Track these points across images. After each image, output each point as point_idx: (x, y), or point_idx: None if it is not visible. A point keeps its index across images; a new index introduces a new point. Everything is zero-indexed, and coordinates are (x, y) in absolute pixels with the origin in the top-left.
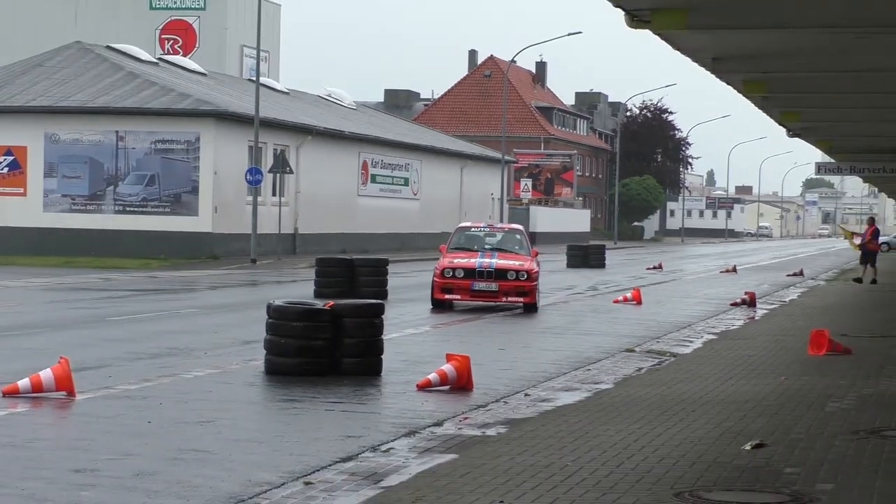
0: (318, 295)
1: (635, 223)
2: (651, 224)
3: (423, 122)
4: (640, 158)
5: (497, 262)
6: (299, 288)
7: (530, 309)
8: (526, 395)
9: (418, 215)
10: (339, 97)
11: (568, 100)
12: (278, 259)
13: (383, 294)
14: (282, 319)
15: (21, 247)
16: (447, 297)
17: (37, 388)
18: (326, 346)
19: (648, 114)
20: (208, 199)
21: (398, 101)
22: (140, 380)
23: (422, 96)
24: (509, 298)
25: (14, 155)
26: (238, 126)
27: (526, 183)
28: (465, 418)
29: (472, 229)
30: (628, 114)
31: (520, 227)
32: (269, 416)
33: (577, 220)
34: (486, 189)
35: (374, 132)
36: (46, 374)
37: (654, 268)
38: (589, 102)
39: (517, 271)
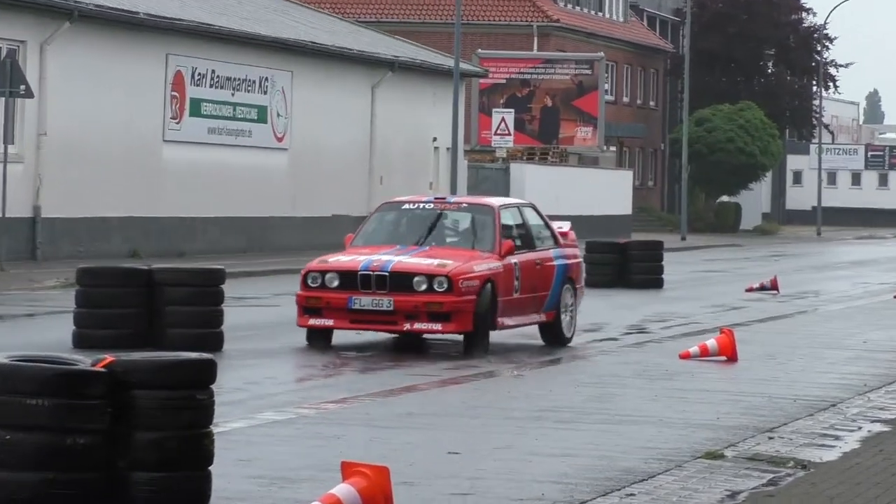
0: (81, 342)
1: (723, 198)
2: (755, 200)
3: None
4: (731, 68)
5: (401, 259)
6: (45, 328)
7: (472, 344)
8: None
9: (288, 182)
10: None
11: None
12: (1, 270)
13: (213, 340)
14: (7, 393)
15: None
16: (313, 321)
17: None
18: (97, 446)
19: None
20: None
21: None
22: None
23: None
24: (416, 325)
25: None
26: None
27: (503, 118)
28: None
29: (406, 207)
30: None
31: (495, 202)
32: None
33: (606, 191)
34: (424, 131)
35: (196, 15)
36: None
37: (762, 288)
38: None
39: (430, 276)
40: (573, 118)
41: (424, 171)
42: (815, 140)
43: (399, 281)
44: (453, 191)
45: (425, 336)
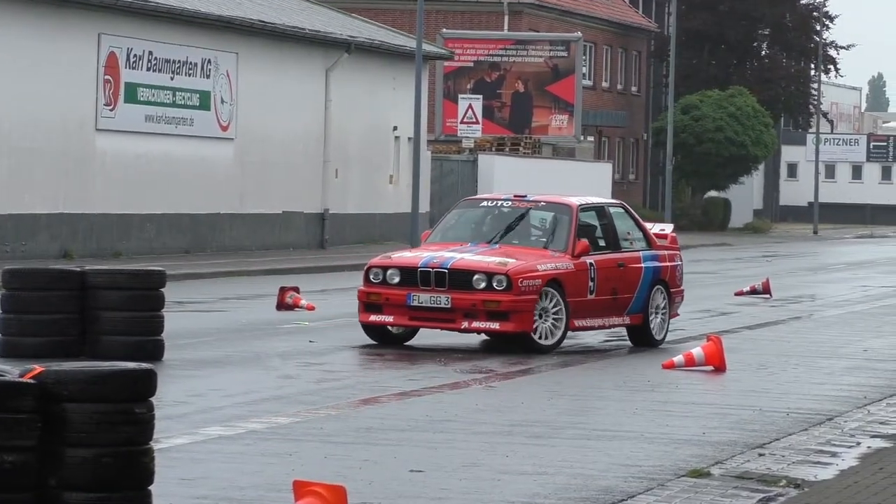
0: (8, 350)
1: (712, 193)
2: (746, 196)
3: None
4: (722, 50)
5: (464, 257)
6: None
7: (524, 344)
8: None
9: (233, 175)
10: None
11: None
12: None
13: (153, 349)
14: None
15: None
16: (374, 318)
17: None
18: (27, 464)
19: None
20: None
21: None
22: None
23: None
24: (474, 323)
25: None
26: None
27: (471, 105)
28: None
29: (484, 204)
30: None
31: (574, 201)
32: None
33: (583, 186)
34: (383, 118)
35: None
36: None
37: (753, 291)
38: None
39: (489, 274)
40: (547, 105)
41: (384, 163)
42: (813, 129)
43: (458, 278)
44: (414, 184)
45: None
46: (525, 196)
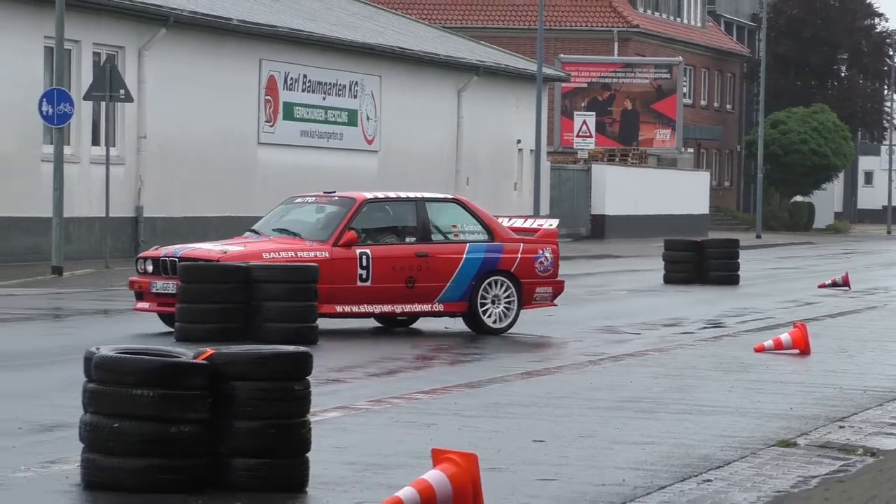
0: (182, 336)
1: (797, 198)
2: (827, 200)
3: (384, 2)
4: (806, 72)
5: (198, 247)
6: (148, 323)
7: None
8: None
9: (377, 183)
10: None
11: None
12: (106, 267)
13: (309, 334)
14: (114, 384)
15: None
16: (139, 305)
17: None
18: (200, 434)
19: None
20: None
21: None
22: None
23: None
24: None
25: None
26: (24, 9)
27: (585, 121)
28: None
29: (297, 200)
30: None
31: (364, 196)
32: None
33: (684, 192)
34: (507, 132)
35: (288, 21)
36: None
37: (833, 284)
38: None
39: (208, 262)
40: (652, 121)
41: (509, 173)
42: (886, 142)
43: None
44: (536, 190)
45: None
46: (332, 192)
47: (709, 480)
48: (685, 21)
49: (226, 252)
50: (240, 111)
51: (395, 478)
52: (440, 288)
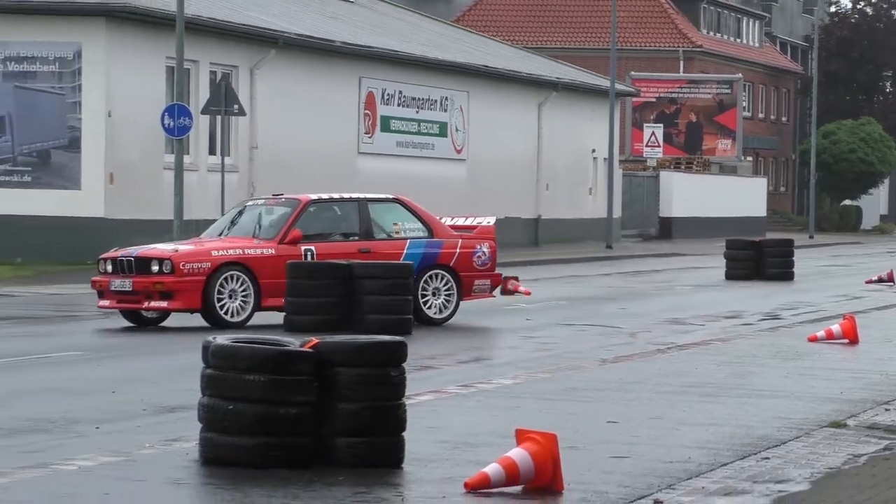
0: (291, 327)
1: (846, 202)
2: (874, 204)
3: (471, 24)
4: (854, 88)
5: (153, 247)
6: (259, 315)
7: (208, 319)
8: (656, 502)
9: (465, 189)
10: None
11: None
12: None
13: (404, 325)
14: (228, 370)
15: None
16: (101, 303)
17: None
18: (307, 415)
19: (869, 8)
20: (97, 159)
21: None
22: None
23: None
24: (152, 303)
25: None
26: (148, 33)
27: (653, 132)
28: None
29: (249, 203)
30: (833, 8)
31: (308, 197)
32: None
33: (743, 196)
34: (583, 142)
35: (385, 42)
36: None
37: (879, 280)
38: None
39: (160, 260)
40: (714, 132)
41: (584, 179)
42: None
43: (140, 265)
44: (609, 195)
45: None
46: (280, 195)
47: (766, 458)
48: (744, 41)
49: (177, 251)
50: (341, 124)
51: (482, 455)
52: None
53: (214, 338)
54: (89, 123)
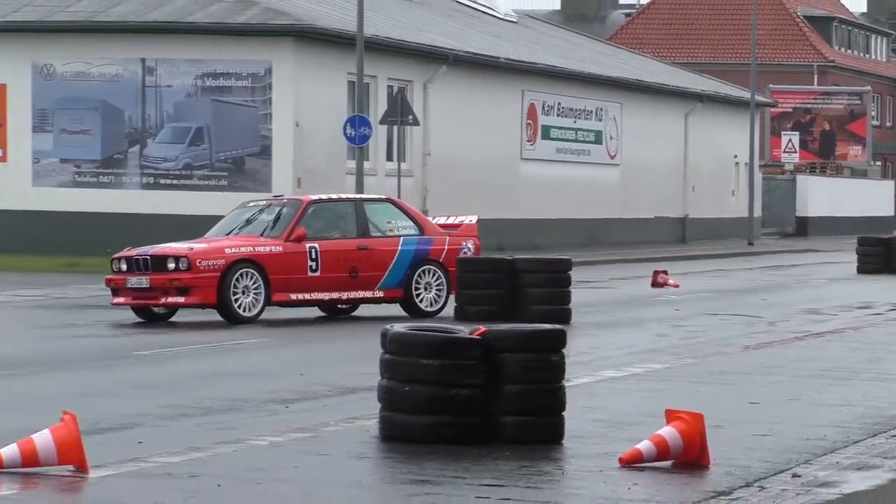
0: (460, 316)
1: None
2: None
3: (623, 41)
4: None
5: (168, 246)
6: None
7: (224, 316)
8: (794, 476)
9: (618, 191)
10: (492, 4)
11: (857, 6)
12: None
13: (564, 315)
14: (405, 355)
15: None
16: (115, 300)
17: (29, 459)
18: (475, 396)
19: None
20: (287, 165)
21: (584, 10)
22: (186, 448)
23: (621, 2)
24: (169, 299)
25: None
26: (331, 50)
27: (790, 139)
28: None
29: (250, 204)
30: None
31: (309, 198)
32: None
33: (872, 197)
34: (726, 148)
35: (545, 59)
36: (43, 440)
37: None
38: (890, 9)
39: (177, 257)
40: (846, 139)
41: (727, 182)
42: None
43: (157, 263)
44: (750, 196)
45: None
46: (281, 196)
47: (894, 436)
48: (873, 56)
49: (192, 249)
50: (506, 133)
51: (634, 433)
52: (379, 277)
53: (392, 326)
54: (279, 133)
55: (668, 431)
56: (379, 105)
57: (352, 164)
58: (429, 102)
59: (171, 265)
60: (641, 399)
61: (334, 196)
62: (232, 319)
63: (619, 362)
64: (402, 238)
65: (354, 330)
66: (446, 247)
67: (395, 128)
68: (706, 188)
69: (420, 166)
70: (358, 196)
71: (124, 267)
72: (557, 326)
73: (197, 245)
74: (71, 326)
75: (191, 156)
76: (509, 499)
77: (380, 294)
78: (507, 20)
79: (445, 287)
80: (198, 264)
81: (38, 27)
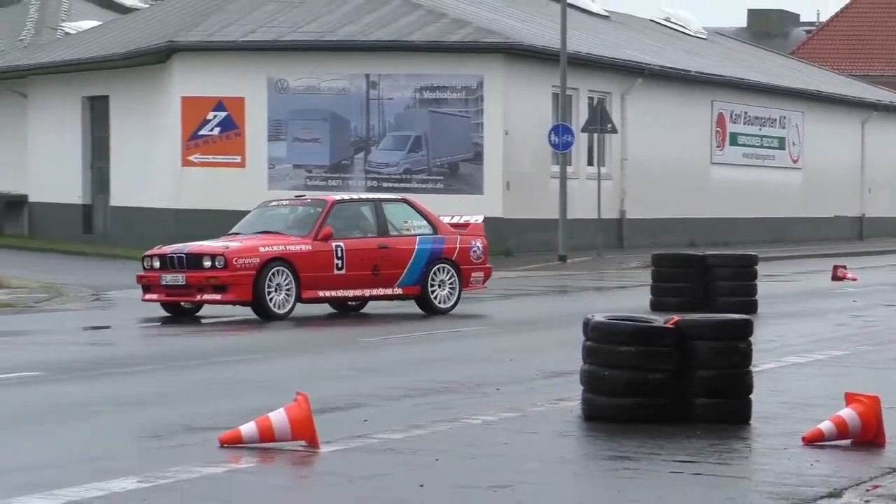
0: (656, 307)
1: None
2: None
3: (804, 55)
4: None
5: (203, 244)
6: (629, 297)
7: (257, 311)
8: None
9: (800, 192)
10: (683, 22)
11: None
12: (598, 255)
13: (751, 306)
14: (605, 342)
15: None
16: (147, 297)
17: (266, 435)
18: (669, 380)
19: None
20: (497, 170)
21: (768, 27)
22: (407, 426)
23: (802, 19)
24: (205, 296)
25: (227, 110)
26: (537, 66)
27: None
28: (875, 486)
29: (272, 204)
30: None
31: (334, 197)
32: (589, 480)
33: None
34: None
35: (733, 72)
36: (279, 418)
37: None
38: None
39: (213, 256)
40: None
41: None
42: None
43: (192, 261)
44: None
45: (196, 301)
46: (303, 196)
47: None
48: None
49: (228, 247)
50: (696, 139)
51: (816, 414)
52: (399, 274)
53: (593, 316)
54: (490, 140)
55: (847, 413)
56: (580, 114)
57: (556, 169)
58: (626, 112)
59: (208, 263)
60: (822, 383)
61: (355, 196)
62: (266, 316)
63: (801, 349)
64: (418, 237)
65: (550, 320)
66: (458, 245)
67: (596, 135)
68: (882, 189)
69: (618, 170)
70: (376, 196)
71: (157, 265)
72: (745, 316)
73: (231, 243)
74: (294, 316)
75: (410, 161)
76: (701, 473)
77: (399, 291)
78: (698, 37)
79: (458, 285)
80: (234, 262)
81: (273, 46)
